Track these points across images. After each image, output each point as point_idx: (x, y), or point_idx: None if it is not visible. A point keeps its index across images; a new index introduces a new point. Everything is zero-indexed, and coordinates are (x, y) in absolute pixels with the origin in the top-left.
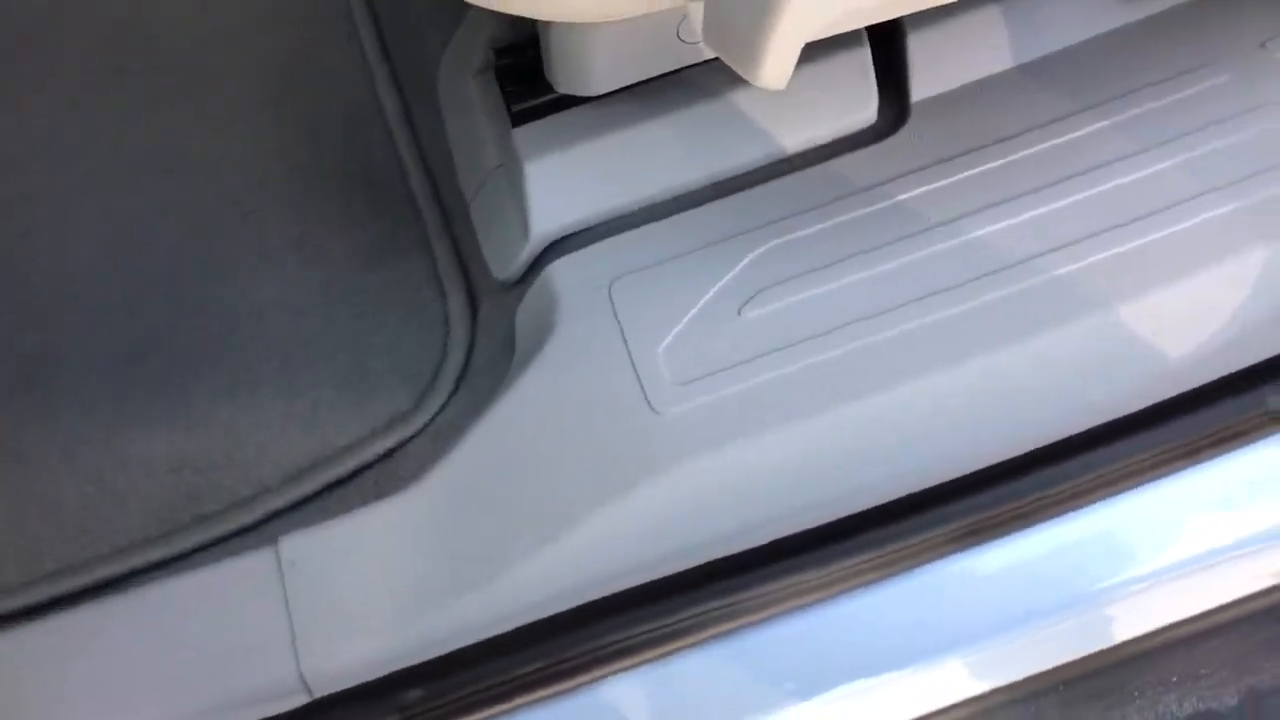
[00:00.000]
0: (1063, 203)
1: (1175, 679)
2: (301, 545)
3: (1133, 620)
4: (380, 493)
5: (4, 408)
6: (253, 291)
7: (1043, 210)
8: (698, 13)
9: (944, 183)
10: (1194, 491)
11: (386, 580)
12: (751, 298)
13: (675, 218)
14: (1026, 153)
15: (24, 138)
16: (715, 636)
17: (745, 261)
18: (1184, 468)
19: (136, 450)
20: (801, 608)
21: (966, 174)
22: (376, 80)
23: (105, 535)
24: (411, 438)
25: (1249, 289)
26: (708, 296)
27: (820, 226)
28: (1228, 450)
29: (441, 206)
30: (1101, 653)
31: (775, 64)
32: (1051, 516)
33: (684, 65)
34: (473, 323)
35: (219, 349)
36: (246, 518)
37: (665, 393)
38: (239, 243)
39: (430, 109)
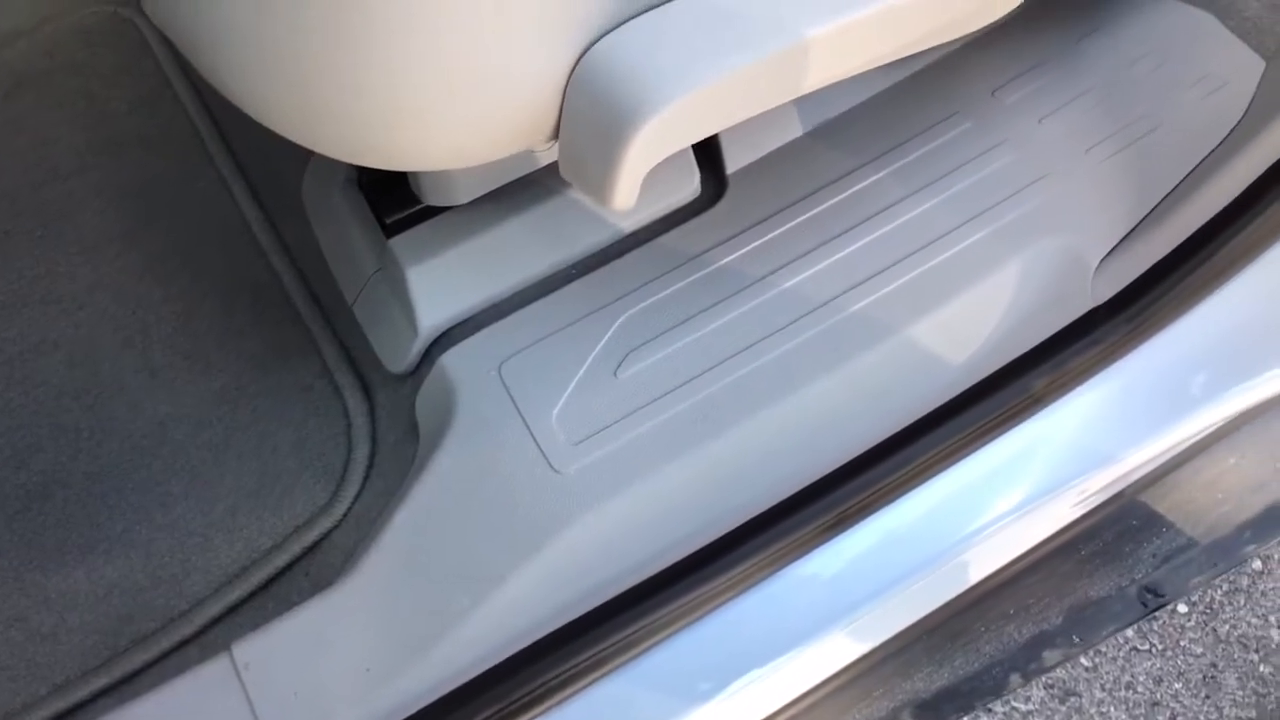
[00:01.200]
0: (857, 245)
1: (1012, 611)
2: (253, 647)
3: (970, 572)
4: (315, 583)
5: None
6: (148, 410)
7: (843, 254)
8: (552, 153)
9: (763, 240)
10: (991, 462)
11: (341, 664)
12: (623, 359)
13: (547, 298)
14: (824, 206)
15: None
16: (638, 654)
17: (612, 330)
18: (980, 446)
19: (56, 585)
20: (708, 613)
21: (780, 230)
22: (236, 195)
23: (42, 675)
24: (333, 529)
25: (1010, 294)
26: (586, 364)
27: (668, 291)
28: (1009, 428)
29: (322, 309)
30: (951, 602)
31: (623, 195)
32: (891, 501)
33: (536, 168)
34: (372, 414)
35: (125, 472)
36: (186, 629)
37: (563, 453)
38: (126, 364)
39: (295, 220)
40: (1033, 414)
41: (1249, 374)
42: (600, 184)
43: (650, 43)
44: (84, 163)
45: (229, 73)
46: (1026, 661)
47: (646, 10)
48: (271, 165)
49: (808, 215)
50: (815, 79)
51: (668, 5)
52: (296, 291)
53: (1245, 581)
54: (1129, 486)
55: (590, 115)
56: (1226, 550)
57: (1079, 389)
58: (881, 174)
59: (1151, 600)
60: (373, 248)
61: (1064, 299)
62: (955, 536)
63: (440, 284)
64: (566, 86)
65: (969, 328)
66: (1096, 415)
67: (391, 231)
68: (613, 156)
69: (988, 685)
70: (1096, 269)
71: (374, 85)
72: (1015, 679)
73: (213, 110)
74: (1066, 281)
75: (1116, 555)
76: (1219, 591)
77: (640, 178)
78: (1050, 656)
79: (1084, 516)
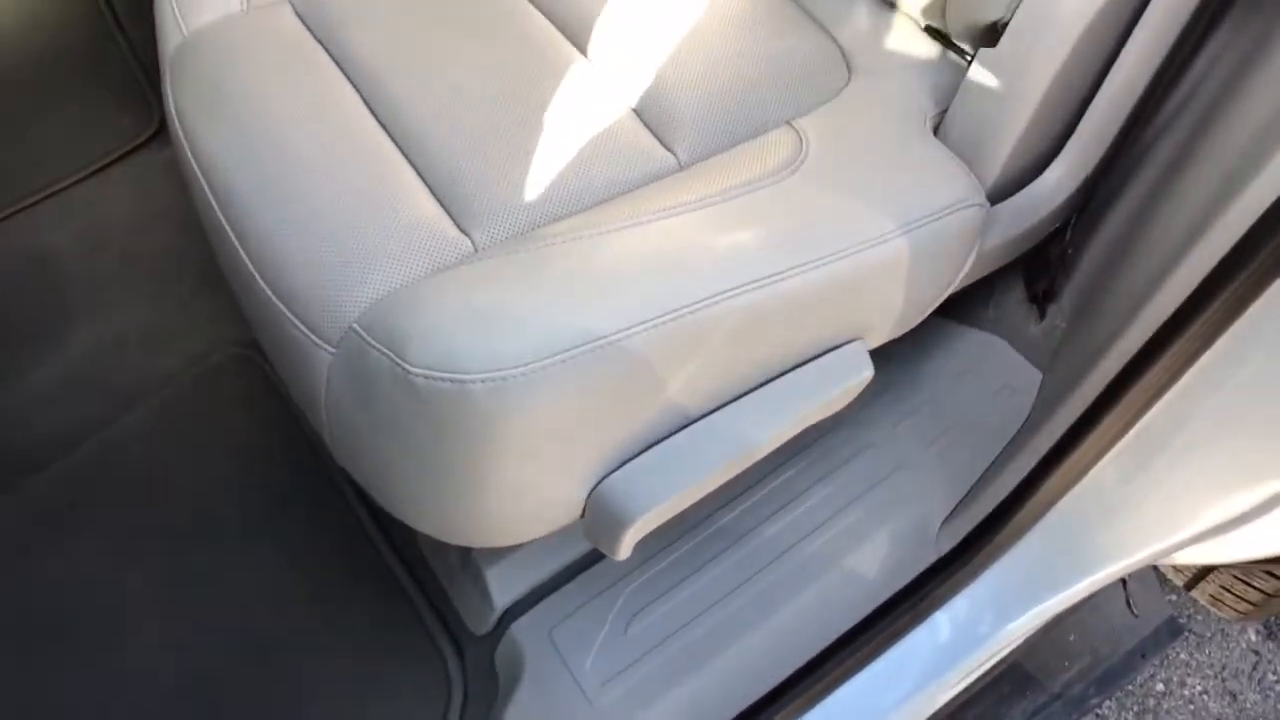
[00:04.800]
0: (783, 522)
1: None
2: None
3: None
4: None
5: None
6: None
7: (775, 528)
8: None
9: (724, 522)
10: (885, 666)
11: None
12: (634, 616)
13: (579, 578)
14: (760, 494)
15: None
16: None
17: (620, 599)
18: (876, 656)
19: None
20: None
21: (732, 514)
22: (349, 498)
23: None
24: None
25: (883, 551)
26: (606, 626)
27: (659, 566)
28: (891, 644)
29: (425, 591)
30: None
31: (624, 553)
32: (824, 695)
33: None
34: (462, 665)
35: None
36: None
37: (596, 690)
38: (281, 624)
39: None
40: (906, 632)
41: (1052, 590)
42: (609, 548)
43: (636, 479)
44: (235, 476)
45: (383, 489)
46: None
47: (634, 457)
48: None
49: (751, 500)
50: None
51: (645, 454)
52: (403, 575)
53: (1151, 703)
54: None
55: (601, 517)
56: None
57: (934, 613)
58: (794, 471)
59: None
60: (461, 557)
61: (919, 553)
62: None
63: (507, 573)
64: (587, 500)
65: (856, 577)
66: (950, 628)
67: None
68: (615, 539)
69: None
70: (939, 530)
71: (478, 513)
72: None
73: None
74: (920, 541)
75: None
76: (1130, 714)
77: (633, 545)
78: None
79: (961, 694)
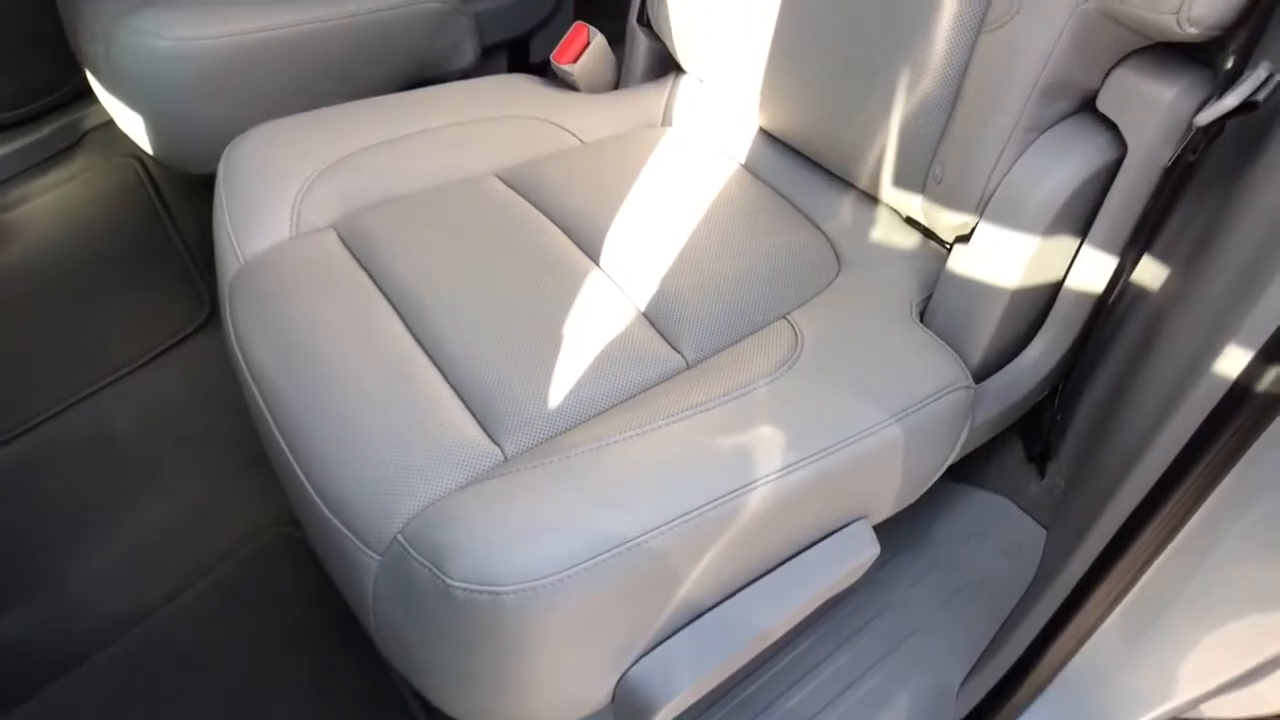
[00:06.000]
0: (805, 692)
1: None
2: None
3: None
4: None
5: None
6: None
7: (797, 698)
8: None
9: (747, 694)
10: None
11: None
12: None
13: None
14: (782, 664)
15: None
16: None
17: None
18: None
19: None
20: None
21: (755, 686)
22: (394, 676)
23: None
24: None
25: (905, 716)
26: None
27: None
28: None
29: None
30: None
31: None
32: None
33: None
34: None
35: None
36: None
37: None
38: None
39: None
40: None
41: None
42: None
43: (660, 666)
44: (277, 649)
45: (424, 681)
46: None
47: (657, 646)
48: None
49: (776, 669)
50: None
51: (667, 642)
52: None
53: None
54: None
55: (630, 704)
56: None
57: None
58: (813, 639)
59: None
60: None
61: (939, 716)
62: None
63: None
64: (616, 688)
65: None
66: None
67: None
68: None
69: None
70: (958, 692)
71: (513, 705)
72: None
73: None
74: (939, 704)
75: None
76: None
77: None
78: None
79: None
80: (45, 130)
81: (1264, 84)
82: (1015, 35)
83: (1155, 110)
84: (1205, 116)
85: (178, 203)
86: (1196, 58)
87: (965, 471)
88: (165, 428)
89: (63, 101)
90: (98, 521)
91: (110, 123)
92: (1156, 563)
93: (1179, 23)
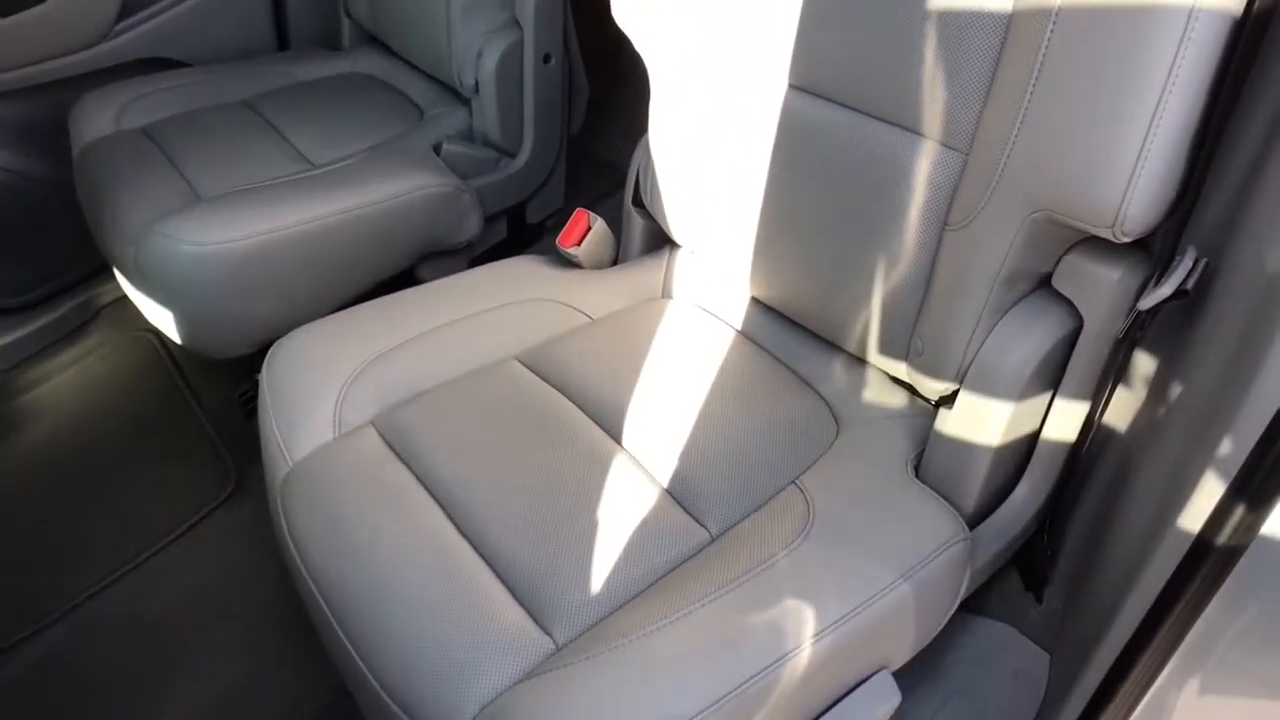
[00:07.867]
0: None
1: None
2: None
3: None
4: None
5: None
6: None
7: None
8: None
9: None
10: None
11: None
12: None
13: None
14: None
15: None
16: None
17: None
18: None
19: None
20: None
21: None
22: None
23: None
24: None
25: None
26: None
27: None
28: None
29: None
30: None
31: None
32: None
33: None
34: None
35: None
36: None
37: None
38: None
39: None
40: None
41: None
42: None
43: None
44: None
45: None
46: None
47: None
48: None
49: None
50: None
51: None
52: None
53: None
54: None
55: None
56: None
57: None
58: None
59: None
60: None
61: None
62: None
63: None
64: None
65: None
66: None
67: None
68: None
69: None
70: None
71: None
72: None
73: None
74: None
75: None
76: None
77: None
78: None
79: None
80: (61, 309)
81: (1191, 272)
82: (975, 235)
83: (1104, 289)
84: (1146, 303)
85: (196, 374)
86: (1136, 242)
87: (969, 600)
88: (199, 603)
89: (76, 281)
90: (138, 706)
91: (124, 298)
92: (1153, 688)
93: (1114, 234)
